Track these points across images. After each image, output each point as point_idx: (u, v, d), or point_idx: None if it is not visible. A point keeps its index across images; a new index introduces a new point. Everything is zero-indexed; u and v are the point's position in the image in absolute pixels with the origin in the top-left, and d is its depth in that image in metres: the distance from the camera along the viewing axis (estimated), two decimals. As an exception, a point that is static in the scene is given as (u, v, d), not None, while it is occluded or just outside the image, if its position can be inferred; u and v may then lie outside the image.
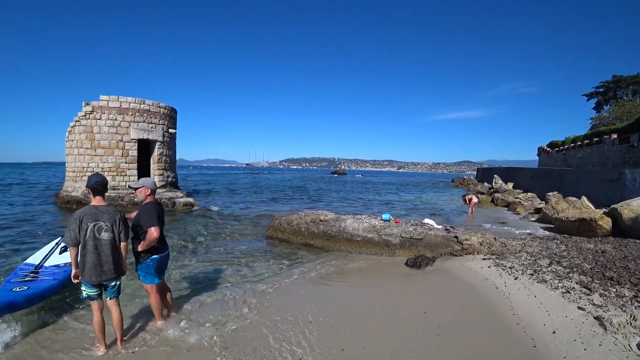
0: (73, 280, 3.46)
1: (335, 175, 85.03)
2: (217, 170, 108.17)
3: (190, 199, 15.67)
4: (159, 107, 17.69)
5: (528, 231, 10.19)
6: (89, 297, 3.47)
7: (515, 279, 5.16)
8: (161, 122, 17.80)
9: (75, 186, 16.61)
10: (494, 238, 7.47)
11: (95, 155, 16.33)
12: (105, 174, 16.39)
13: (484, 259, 6.40)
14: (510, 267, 5.73)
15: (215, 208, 16.44)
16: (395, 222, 8.39)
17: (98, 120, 16.31)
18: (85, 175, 16.47)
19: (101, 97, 16.36)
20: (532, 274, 5.31)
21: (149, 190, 4.01)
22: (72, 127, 16.73)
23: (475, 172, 61.22)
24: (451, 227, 7.76)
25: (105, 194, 3.60)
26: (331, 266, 6.86)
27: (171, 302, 4.53)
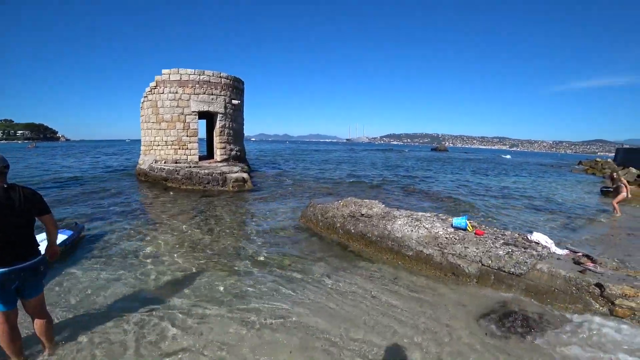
0: None
1: (435, 152, 77.90)
2: (315, 146, 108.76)
3: (244, 175, 14.30)
4: (220, 77, 16.60)
5: None
6: None
7: None
8: (222, 93, 16.74)
9: (145, 159, 16.99)
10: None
11: (160, 129, 16.26)
12: (168, 147, 16.29)
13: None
14: None
15: (270, 185, 14.85)
16: (476, 234, 4.96)
17: (161, 95, 16.07)
18: (152, 149, 16.68)
19: (163, 71, 16.01)
20: None
21: None
22: (142, 102, 16.96)
23: (612, 154, 46.69)
24: (586, 255, 3.95)
25: None
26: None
27: (48, 337, 3.06)
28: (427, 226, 5.26)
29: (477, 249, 4.42)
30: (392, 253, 5.44)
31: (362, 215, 6.41)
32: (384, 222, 5.90)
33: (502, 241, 4.58)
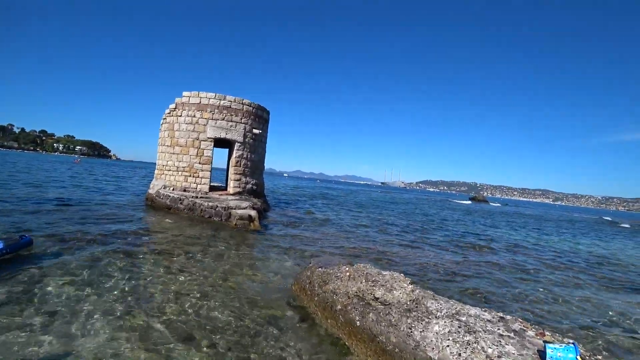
0: None
1: (472, 203, 70.94)
2: (348, 187, 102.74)
3: (251, 212, 12.42)
4: (242, 103, 15.48)
5: None
6: None
7: None
8: (243, 120, 15.53)
9: (155, 184, 15.84)
10: None
11: (173, 154, 15.16)
12: (179, 173, 15.05)
13: None
14: None
15: (281, 228, 12.81)
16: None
17: (179, 117, 15.16)
18: (163, 174, 15.54)
19: (184, 93, 15.22)
20: None
21: None
22: (161, 124, 16.17)
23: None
24: None
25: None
26: None
27: None
28: (490, 351, 2.87)
29: None
30: (420, 386, 3.04)
31: (376, 299, 4.10)
32: (409, 321, 3.56)
33: None
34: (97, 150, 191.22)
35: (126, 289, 5.40)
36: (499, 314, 3.63)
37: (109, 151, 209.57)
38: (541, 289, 7.95)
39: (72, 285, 5.32)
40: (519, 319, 3.53)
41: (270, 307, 5.27)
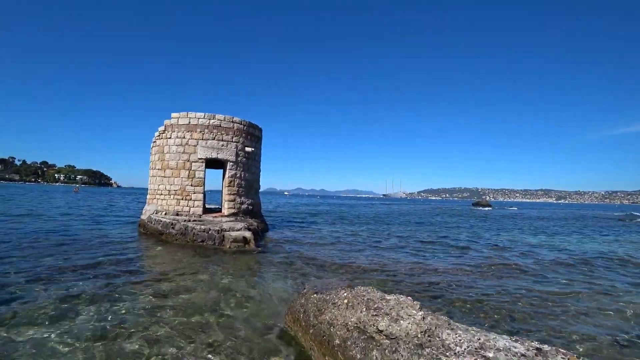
0: None
1: (478, 209, 68.77)
2: (350, 202, 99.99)
3: (245, 234, 11.73)
4: (232, 121, 15.04)
5: None
6: None
7: None
8: (234, 139, 15.05)
9: (147, 209, 15.24)
10: None
11: (164, 177, 14.62)
12: (171, 197, 14.45)
13: None
14: None
15: (278, 250, 12.07)
16: None
17: (168, 139, 14.71)
18: (155, 198, 14.96)
19: (172, 114, 14.84)
20: None
21: None
22: (151, 148, 15.72)
23: None
24: None
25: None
26: None
27: None
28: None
29: None
30: None
31: (380, 332, 3.41)
32: (421, 360, 2.85)
33: None
34: (97, 179, 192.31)
35: (103, 327, 4.69)
36: (533, 343, 2.93)
37: (110, 179, 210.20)
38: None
39: (40, 327, 4.62)
40: (561, 350, 2.82)
41: (263, 343, 4.56)
